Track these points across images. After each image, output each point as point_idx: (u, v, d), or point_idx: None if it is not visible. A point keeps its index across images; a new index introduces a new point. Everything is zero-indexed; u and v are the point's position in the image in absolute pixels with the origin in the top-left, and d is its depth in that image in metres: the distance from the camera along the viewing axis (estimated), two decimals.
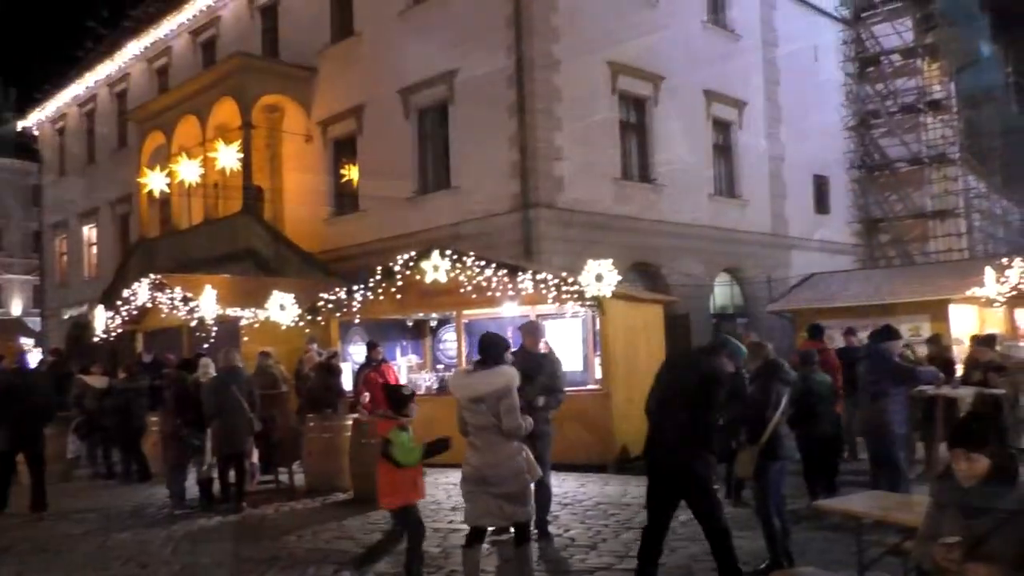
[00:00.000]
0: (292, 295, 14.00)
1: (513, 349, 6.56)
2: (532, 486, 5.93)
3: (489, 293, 11.95)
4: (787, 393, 6.35)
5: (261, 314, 13.96)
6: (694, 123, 19.84)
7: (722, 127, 20.92)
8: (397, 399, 6.25)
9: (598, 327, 12.06)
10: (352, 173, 20.54)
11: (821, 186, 24.21)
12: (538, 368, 7.41)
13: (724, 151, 21.01)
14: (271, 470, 11.38)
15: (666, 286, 17.88)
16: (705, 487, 5.52)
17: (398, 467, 6.01)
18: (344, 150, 20.89)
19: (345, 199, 20.84)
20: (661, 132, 18.87)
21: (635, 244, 17.63)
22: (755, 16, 22.06)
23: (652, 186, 18.59)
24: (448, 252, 12.26)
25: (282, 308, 13.77)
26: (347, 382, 12.51)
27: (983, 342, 10.08)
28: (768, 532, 6.12)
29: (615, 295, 11.58)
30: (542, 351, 8.16)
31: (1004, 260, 14.46)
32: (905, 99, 25.10)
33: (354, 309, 13.15)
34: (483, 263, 12.01)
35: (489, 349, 5.82)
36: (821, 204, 24.20)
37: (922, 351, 11.18)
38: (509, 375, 5.70)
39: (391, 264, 12.75)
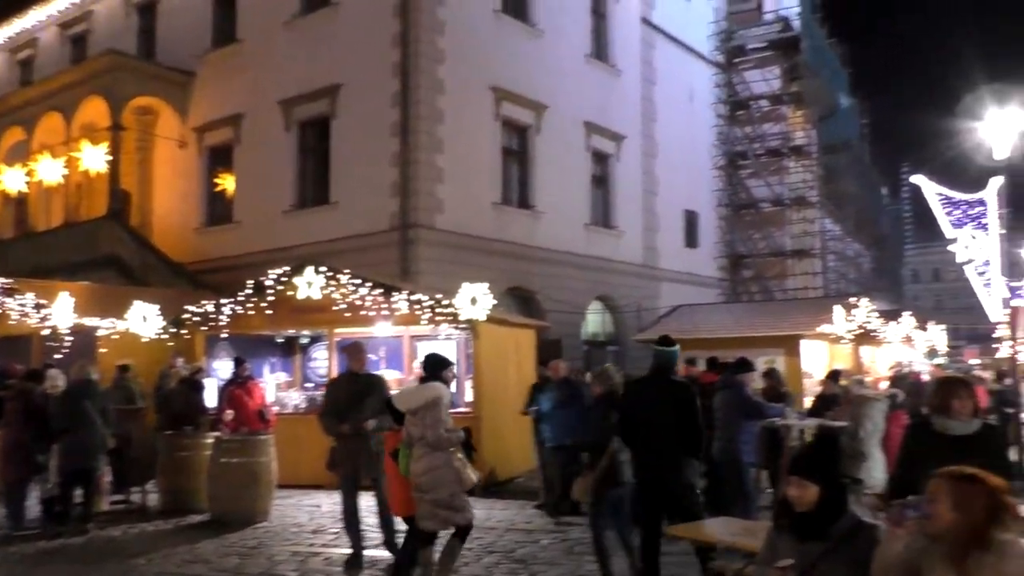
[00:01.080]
0: (156, 306, 13.41)
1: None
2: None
3: (363, 312, 11.84)
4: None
5: (121, 325, 13.31)
6: (574, 153, 20.34)
7: (601, 159, 21.53)
8: (400, 415, 6.44)
9: (471, 350, 12.13)
10: (227, 183, 19.96)
11: (691, 221, 25.23)
12: (368, 389, 7.30)
13: (602, 182, 21.62)
14: (124, 489, 10.83)
15: (540, 311, 18.18)
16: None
17: (407, 477, 6.30)
18: (220, 159, 20.29)
19: (218, 209, 20.22)
20: (542, 160, 19.25)
21: (512, 269, 17.87)
22: (635, 54, 22.88)
23: (531, 212, 18.91)
24: (323, 269, 12.07)
25: (144, 319, 13.18)
26: (211, 399, 12.08)
27: (830, 377, 10.74)
28: (626, 552, 6.37)
29: (489, 319, 11.68)
30: (371, 372, 8.17)
31: (852, 299, 15.47)
32: (770, 143, 26.56)
33: (222, 323, 12.75)
34: (358, 281, 11.89)
35: (430, 366, 6.33)
36: (691, 238, 25.20)
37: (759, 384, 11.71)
38: (438, 390, 6.17)
39: (262, 278, 12.44)
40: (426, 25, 16.66)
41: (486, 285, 11.52)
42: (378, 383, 7.61)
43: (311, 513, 9.84)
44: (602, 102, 21.28)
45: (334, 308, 11.98)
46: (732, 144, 26.70)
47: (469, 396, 12.21)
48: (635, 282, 21.90)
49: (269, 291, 12.32)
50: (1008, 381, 13.90)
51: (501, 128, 18.44)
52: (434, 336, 12.51)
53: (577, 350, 18.92)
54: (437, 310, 11.48)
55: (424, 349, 12.85)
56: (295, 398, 13.15)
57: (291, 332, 13.69)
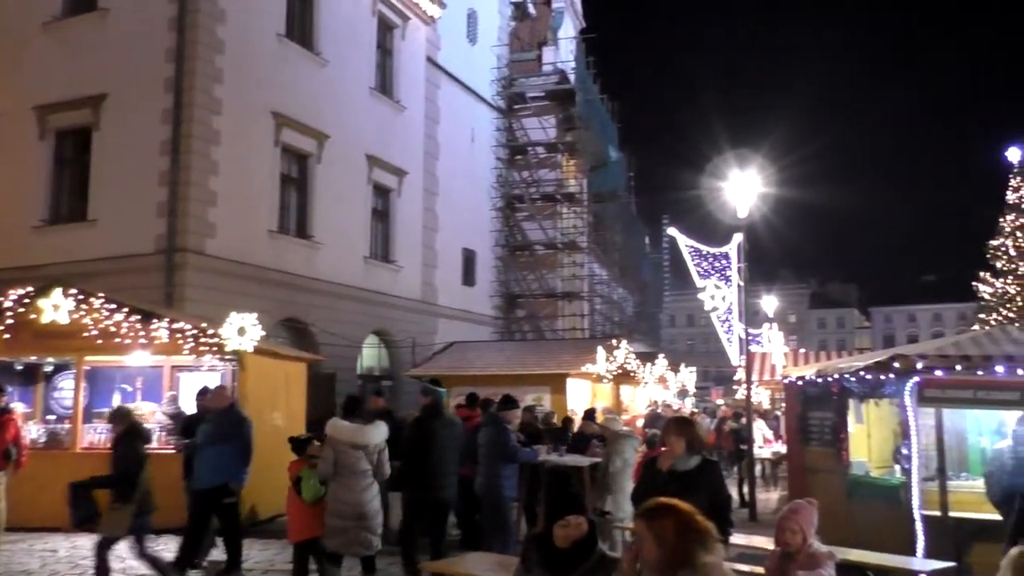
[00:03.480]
0: None
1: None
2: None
3: (118, 339, 11.05)
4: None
5: None
6: (355, 185, 20.24)
7: (382, 193, 21.57)
8: (298, 443, 7.44)
9: (237, 382, 11.64)
10: None
11: (469, 259, 25.82)
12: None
13: (382, 216, 21.64)
14: None
15: (314, 344, 17.80)
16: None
17: (306, 504, 6.98)
18: None
19: None
20: (322, 190, 18.98)
21: (286, 299, 17.40)
22: (420, 92, 23.25)
23: (309, 243, 18.55)
24: (73, 291, 11.16)
25: None
26: None
27: (587, 416, 11.32)
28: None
29: (257, 350, 11.30)
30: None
31: (613, 341, 16.46)
32: (546, 188, 27.84)
33: None
34: (113, 306, 11.10)
35: (358, 405, 7.38)
36: (468, 276, 25.76)
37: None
38: (385, 429, 7.07)
39: (2, 299, 11.30)
40: (204, 42, 16.02)
41: (255, 315, 11.16)
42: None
43: (44, 559, 8.97)
44: (385, 136, 21.39)
45: (84, 334, 11.08)
46: (510, 187, 27.72)
47: None
48: (412, 317, 22.02)
49: (8, 313, 11.21)
50: (744, 420, 15.32)
51: (281, 154, 17.99)
52: (197, 367, 11.93)
53: (352, 384, 18.67)
54: (201, 339, 10.95)
55: (186, 380, 12.25)
56: (35, 431, 11.97)
57: (33, 359, 12.48)
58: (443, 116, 24.24)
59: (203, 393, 9.32)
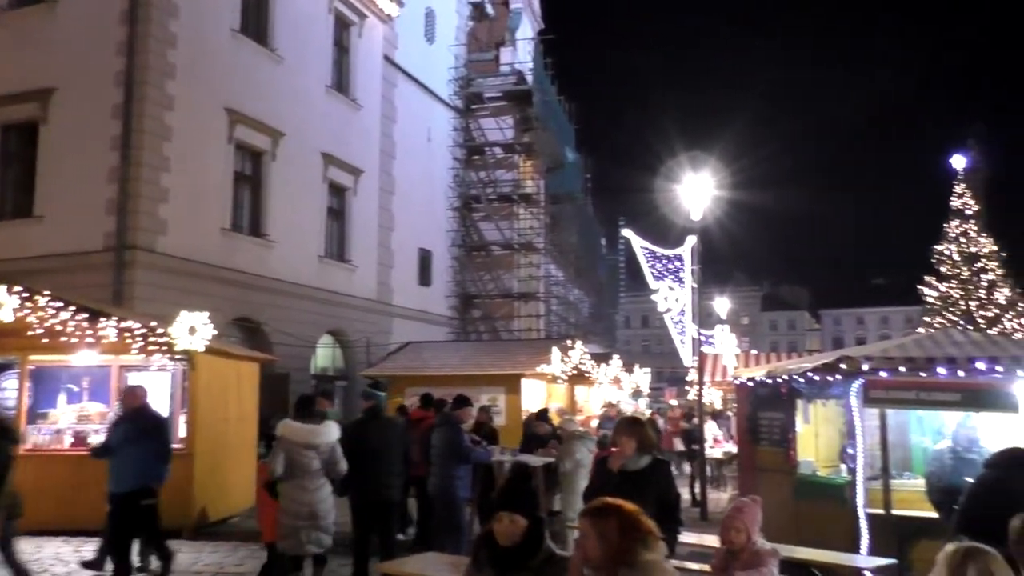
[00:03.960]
0: None
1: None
2: None
3: (64, 338, 10.81)
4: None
5: None
6: (310, 184, 20.06)
7: (338, 191, 21.42)
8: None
9: (187, 382, 11.48)
10: None
11: (425, 259, 25.75)
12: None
13: (338, 215, 21.48)
14: None
15: (268, 344, 17.61)
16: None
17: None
18: None
19: None
20: (277, 188, 18.79)
21: (239, 298, 17.19)
22: (377, 90, 23.13)
23: (263, 241, 18.35)
24: (18, 289, 10.89)
25: None
26: None
27: (539, 417, 11.35)
28: None
29: (208, 349, 11.15)
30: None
31: (568, 342, 16.55)
32: (502, 189, 27.89)
33: None
34: (60, 304, 10.86)
35: (309, 406, 7.30)
36: (424, 276, 25.70)
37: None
38: (337, 429, 7.14)
39: None
40: (156, 36, 15.75)
41: (207, 314, 11.01)
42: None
43: None
44: (341, 135, 21.25)
45: (29, 333, 10.82)
46: (467, 187, 27.71)
47: (184, 431, 11.53)
48: (367, 317, 21.90)
49: None
50: (695, 421, 15.51)
51: (235, 152, 17.77)
52: (146, 367, 11.73)
53: (306, 384, 18.52)
54: (150, 339, 10.76)
55: (135, 380, 12.00)
56: None
57: None
58: (400, 115, 24.14)
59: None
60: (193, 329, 10.76)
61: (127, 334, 10.77)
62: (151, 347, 10.78)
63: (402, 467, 8.09)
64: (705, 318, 17.91)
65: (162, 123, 15.82)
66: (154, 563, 8.36)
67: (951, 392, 8.08)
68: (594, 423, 16.28)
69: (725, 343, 23.71)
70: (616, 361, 21.81)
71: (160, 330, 10.83)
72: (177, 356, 10.91)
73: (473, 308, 27.77)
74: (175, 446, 11.27)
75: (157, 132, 15.71)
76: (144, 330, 10.82)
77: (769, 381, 10.43)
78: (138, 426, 7.91)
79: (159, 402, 11.86)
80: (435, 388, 13.04)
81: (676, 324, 14.32)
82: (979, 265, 30.98)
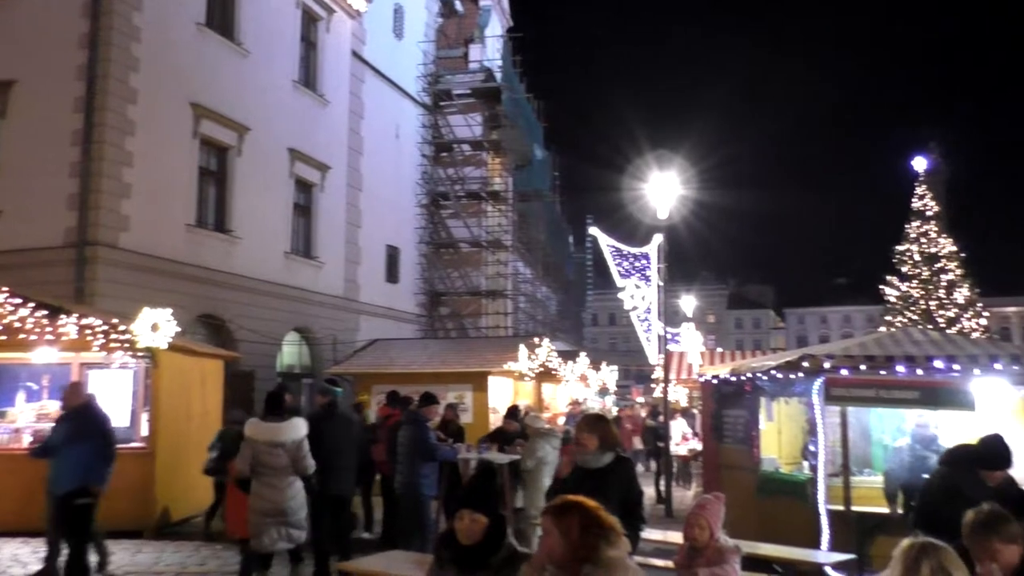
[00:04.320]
0: None
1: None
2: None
3: (24, 335, 10.64)
4: None
5: None
6: (277, 180, 19.89)
7: (304, 187, 21.25)
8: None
9: (150, 380, 11.35)
10: None
11: (393, 256, 25.65)
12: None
13: (304, 211, 21.31)
14: None
15: (233, 341, 17.44)
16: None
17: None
18: None
19: None
20: (242, 184, 18.59)
21: (204, 295, 17.00)
22: (344, 86, 22.98)
23: (228, 237, 18.15)
24: None
25: None
26: None
27: (508, 415, 11.36)
28: None
29: (171, 347, 11.04)
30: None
31: (536, 340, 16.58)
32: (471, 186, 27.86)
33: None
34: (19, 300, 10.69)
35: (276, 403, 7.24)
36: (391, 274, 25.59)
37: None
38: (304, 426, 7.14)
39: None
40: (119, 29, 15.51)
41: (170, 311, 10.89)
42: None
43: None
44: (308, 130, 21.08)
45: None
46: (435, 184, 27.64)
47: (145, 430, 11.40)
48: (334, 314, 21.76)
49: None
50: (661, 418, 15.63)
51: (200, 147, 17.55)
52: (108, 364, 11.57)
53: (271, 382, 18.33)
54: (112, 336, 10.63)
55: (97, 378, 11.87)
56: None
57: None
58: (368, 111, 24.02)
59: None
60: (156, 326, 10.64)
61: (88, 331, 10.63)
62: (113, 344, 10.65)
63: (356, 462, 8.23)
64: (671, 316, 18.07)
65: (125, 117, 15.58)
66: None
67: (910, 390, 8.23)
68: (561, 420, 16.34)
69: (691, 341, 23.90)
70: (583, 359, 21.86)
71: (122, 327, 10.70)
72: (139, 353, 10.79)
73: (441, 305, 27.72)
74: (136, 445, 11.22)
75: (120, 126, 15.48)
76: (106, 327, 10.69)
77: (734, 379, 10.55)
78: (80, 425, 7.62)
79: (121, 400, 11.78)
80: (402, 385, 13.01)
81: (643, 322, 14.42)
82: (939, 265, 31.58)
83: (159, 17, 16.36)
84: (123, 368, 11.45)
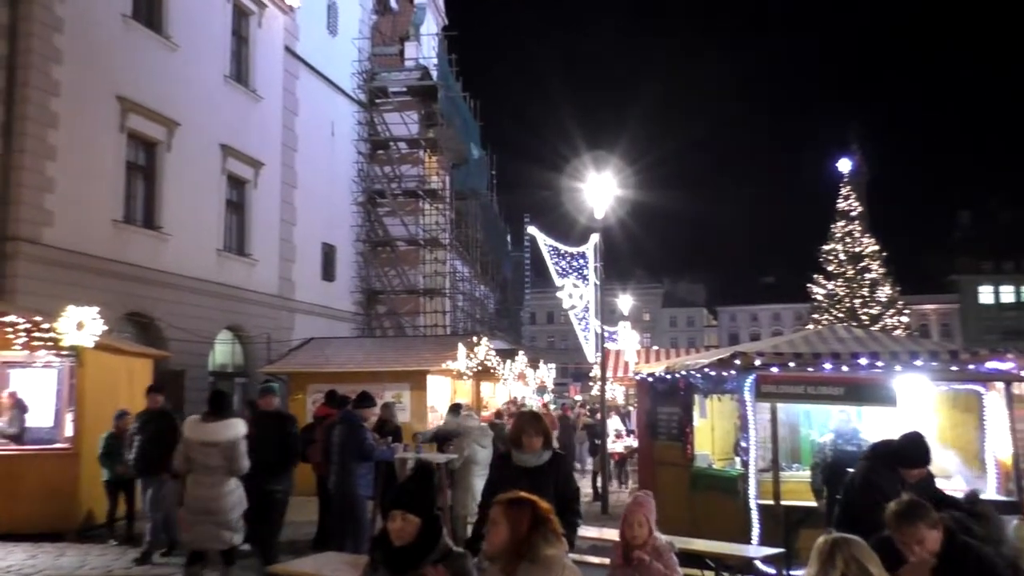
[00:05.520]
0: None
1: None
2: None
3: None
4: None
5: None
6: (208, 176, 19.47)
7: (237, 184, 20.85)
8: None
9: (75, 379, 11.01)
10: None
11: (328, 254, 25.35)
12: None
13: (237, 208, 20.91)
14: None
15: (162, 340, 17.02)
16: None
17: None
18: None
19: None
20: (172, 179, 18.15)
21: (132, 292, 16.55)
22: (277, 82, 22.62)
23: (157, 234, 17.70)
24: None
25: None
26: None
27: (450, 412, 11.31)
28: None
29: (98, 345, 10.73)
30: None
31: (474, 338, 16.57)
32: (407, 184, 27.69)
33: None
34: None
35: (219, 402, 7.21)
36: (327, 272, 25.29)
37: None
38: (241, 425, 7.13)
39: None
40: (40, 20, 14.99)
41: (96, 309, 10.58)
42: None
43: None
44: (241, 126, 20.69)
45: None
46: (372, 182, 27.40)
47: (69, 430, 11.06)
48: (269, 312, 21.41)
49: None
50: (599, 416, 15.79)
51: (127, 141, 17.07)
52: (31, 363, 11.21)
53: (203, 381, 17.98)
54: (35, 334, 10.29)
55: (18, 377, 11.50)
56: None
57: None
58: (302, 108, 23.68)
59: None
60: (81, 324, 10.34)
61: (8, 329, 10.27)
62: (35, 343, 10.34)
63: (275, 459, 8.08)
64: (608, 315, 18.26)
65: (47, 110, 15.07)
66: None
67: (835, 387, 8.45)
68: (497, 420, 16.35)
69: (628, 339, 24.18)
70: (522, 357, 21.95)
71: (45, 325, 10.36)
72: (64, 352, 10.48)
73: (378, 304, 27.50)
74: (60, 446, 10.90)
75: (41, 119, 14.96)
76: (28, 325, 10.34)
77: (668, 376, 10.70)
78: None
79: (45, 400, 11.43)
80: (339, 384, 12.84)
81: (580, 320, 14.53)
82: (863, 264, 32.57)
83: (83, 8, 15.87)
84: (47, 367, 11.12)
